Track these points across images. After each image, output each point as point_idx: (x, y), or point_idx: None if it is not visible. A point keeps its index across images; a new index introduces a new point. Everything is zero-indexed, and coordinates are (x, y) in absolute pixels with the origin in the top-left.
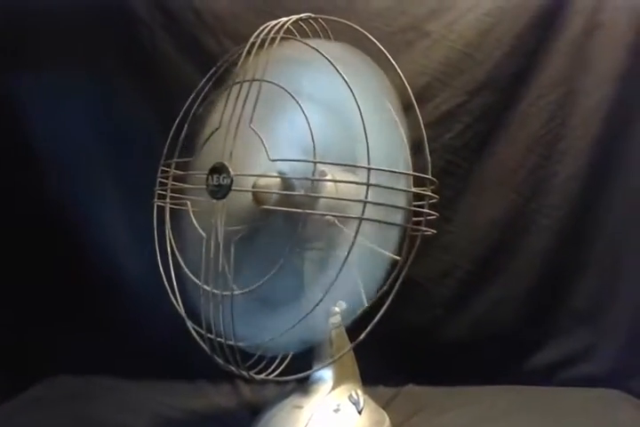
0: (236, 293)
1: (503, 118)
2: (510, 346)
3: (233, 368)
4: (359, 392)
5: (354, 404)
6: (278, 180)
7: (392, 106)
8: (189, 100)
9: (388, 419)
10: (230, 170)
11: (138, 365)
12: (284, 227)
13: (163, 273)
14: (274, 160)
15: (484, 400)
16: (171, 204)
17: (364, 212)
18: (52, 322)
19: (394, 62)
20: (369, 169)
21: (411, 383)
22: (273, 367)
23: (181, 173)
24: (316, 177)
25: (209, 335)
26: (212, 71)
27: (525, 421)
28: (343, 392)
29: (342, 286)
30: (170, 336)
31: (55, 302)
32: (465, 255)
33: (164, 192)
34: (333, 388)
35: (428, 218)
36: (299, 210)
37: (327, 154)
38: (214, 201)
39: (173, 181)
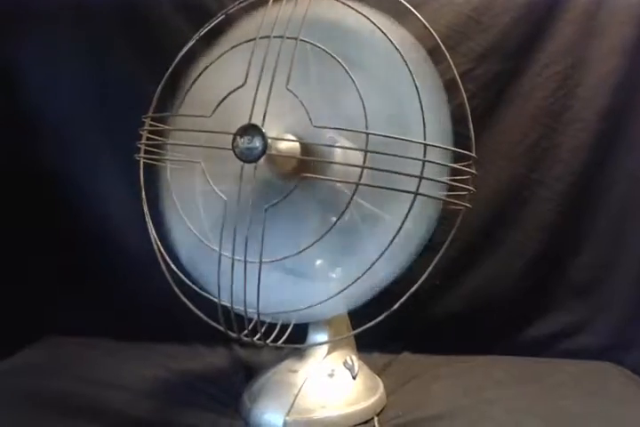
0: (266, 261)
1: (508, 87)
2: (506, 317)
3: (249, 339)
4: (354, 358)
5: (348, 369)
6: (297, 144)
7: (435, 78)
8: (182, 51)
9: (381, 385)
10: (265, 132)
11: (134, 327)
12: (304, 195)
13: (154, 240)
14: (319, 127)
15: (478, 370)
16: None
17: (419, 187)
18: (50, 284)
19: (422, 19)
20: (425, 145)
21: (406, 351)
22: (276, 333)
23: (188, 129)
24: (328, 144)
25: (224, 303)
26: (218, 18)
27: (517, 390)
28: (338, 358)
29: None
30: (167, 299)
31: (53, 264)
32: (464, 226)
33: (155, 149)
34: (329, 353)
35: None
36: (350, 181)
37: (371, 125)
38: (242, 164)
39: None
